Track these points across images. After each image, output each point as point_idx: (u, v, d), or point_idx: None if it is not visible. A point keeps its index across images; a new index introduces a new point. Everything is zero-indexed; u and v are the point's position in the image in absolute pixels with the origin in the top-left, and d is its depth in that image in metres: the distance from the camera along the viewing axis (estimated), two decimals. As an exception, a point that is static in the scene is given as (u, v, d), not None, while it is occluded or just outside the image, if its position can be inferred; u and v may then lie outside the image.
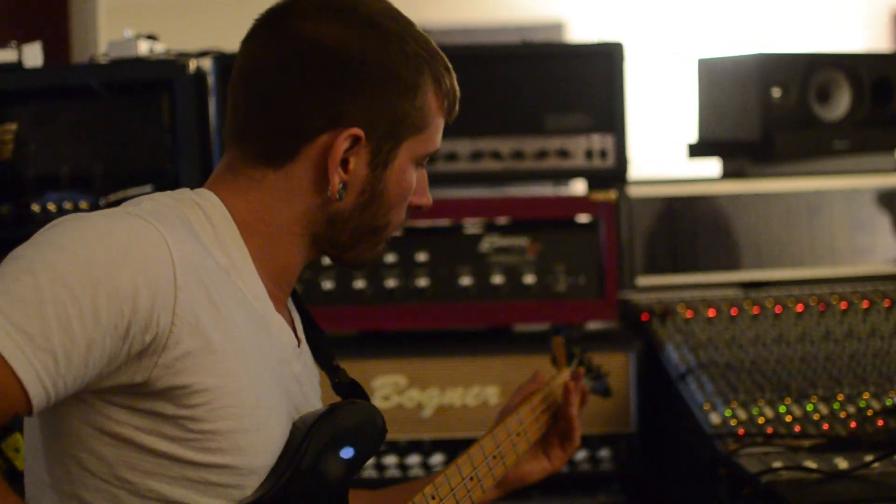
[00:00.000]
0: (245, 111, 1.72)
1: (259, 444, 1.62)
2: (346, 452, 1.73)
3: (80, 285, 1.45)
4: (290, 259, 1.75)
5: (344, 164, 1.69)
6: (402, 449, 2.95)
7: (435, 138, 1.78)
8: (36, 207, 2.80)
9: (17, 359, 1.40)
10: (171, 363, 1.52)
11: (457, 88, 1.79)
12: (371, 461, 2.88)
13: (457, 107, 1.80)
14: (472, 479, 1.96)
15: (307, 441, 1.66)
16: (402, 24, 1.73)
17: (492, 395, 2.95)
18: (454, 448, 2.92)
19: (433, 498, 1.86)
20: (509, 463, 2.08)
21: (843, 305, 3.11)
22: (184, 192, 1.71)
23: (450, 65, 1.78)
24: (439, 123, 1.77)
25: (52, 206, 2.79)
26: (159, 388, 1.52)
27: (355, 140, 1.68)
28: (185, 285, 1.52)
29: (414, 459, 2.94)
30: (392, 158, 1.72)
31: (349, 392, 1.90)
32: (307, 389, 1.80)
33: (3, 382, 1.40)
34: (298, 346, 1.79)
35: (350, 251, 1.79)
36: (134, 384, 1.52)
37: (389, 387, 2.93)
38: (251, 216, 1.70)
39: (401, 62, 1.69)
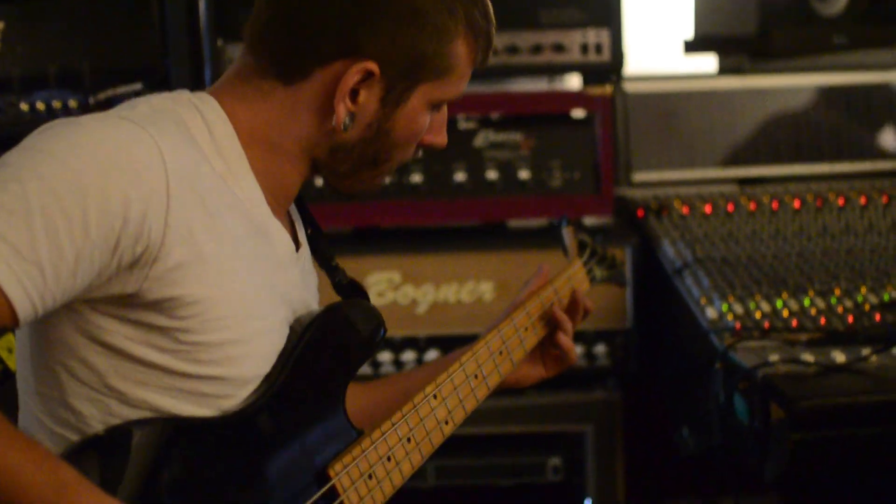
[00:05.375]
0: (266, 19, 1.65)
1: (252, 355, 1.59)
2: (344, 352, 1.71)
3: (69, 196, 1.40)
4: (288, 176, 1.70)
5: (354, 95, 1.63)
6: (397, 345, 2.93)
7: (458, 86, 1.70)
8: (24, 106, 2.75)
9: (3, 271, 1.36)
10: (162, 275, 1.48)
11: (493, 36, 1.70)
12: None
13: (489, 55, 1.72)
14: (476, 377, 1.91)
15: (303, 342, 1.64)
16: None
17: (486, 290, 2.93)
18: (449, 344, 2.91)
19: (435, 397, 1.83)
20: (517, 359, 2.02)
21: (841, 201, 3.09)
22: (182, 94, 1.65)
23: (490, 11, 1.69)
24: (465, 72, 1.69)
25: (40, 105, 2.75)
26: (150, 299, 1.49)
27: (368, 74, 1.61)
28: (178, 194, 1.48)
29: (409, 356, 2.93)
30: (405, 99, 1.66)
31: (349, 292, 1.86)
32: (305, 294, 1.76)
33: None
34: (297, 250, 1.76)
35: (347, 180, 1.75)
36: (125, 295, 1.48)
37: (384, 283, 2.91)
38: (253, 127, 1.64)
39: (433, 2, 1.62)
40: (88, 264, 1.42)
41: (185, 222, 1.49)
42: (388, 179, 2.84)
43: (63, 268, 1.40)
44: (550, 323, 2.10)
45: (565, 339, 2.09)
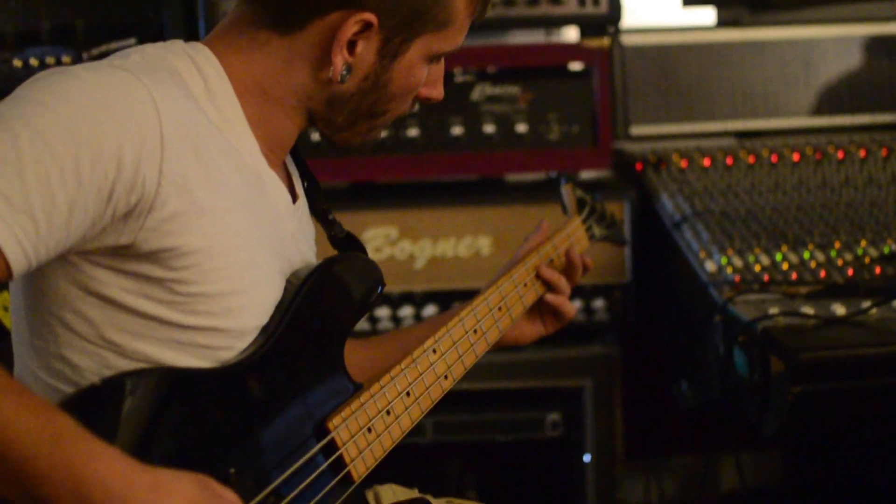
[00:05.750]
0: None
1: (250, 306, 1.57)
2: (342, 306, 1.69)
3: (61, 145, 1.39)
4: (284, 127, 1.68)
5: (351, 46, 1.61)
6: (395, 301, 2.92)
7: (456, 38, 1.68)
8: (18, 63, 2.73)
9: None
10: (157, 225, 1.46)
11: None
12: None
13: (487, 8, 1.70)
14: (475, 332, 1.91)
15: (300, 296, 1.62)
16: None
17: (484, 245, 2.91)
18: (447, 299, 2.90)
19: (434, 352, 1.82)
20: (516, 315, 2.01)
21: (840, 154, 3.07)
22: (175, 44, 1.63)
23: None
24: (464, 24, 1.67)
25: (34, 62, 2.73)
26: (146, 250, 1.47)
27: (366, 25, 1.59)
28: (173, 143, 1.46)
29: (406, 311, 2.92)
30: (403, 51, 1.64)
31: (346, 245, 1.85)
32: (302, 246, 1.75)
33: None
34: (294, 202, 1.74)
35: (343, 132, 1.73)
36: (120, 246, 1.47)
37: (381, 238, 2.89)
38: (248, 77, 1.62)
39: None
40: (82, 214, 1.41)
41: (180, 171, 1.47)
42: (384, 133, 2.86)
43: (56, 217, 1.38)
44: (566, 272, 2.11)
45: (555, 299, 2.09)
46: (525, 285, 2.04)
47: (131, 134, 1.42)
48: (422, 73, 1.69)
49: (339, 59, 1.61)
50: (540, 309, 2.13)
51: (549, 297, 2.08)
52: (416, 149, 2.94)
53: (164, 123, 1.45)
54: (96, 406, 1.41)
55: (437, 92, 1.76)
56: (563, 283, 2.09)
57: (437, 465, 3.25)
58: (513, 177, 3.09)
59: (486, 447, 3.16)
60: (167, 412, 1.46)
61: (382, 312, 2.91)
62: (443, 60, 1.74)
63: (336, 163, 2.90)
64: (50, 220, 1.38)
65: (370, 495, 1.94)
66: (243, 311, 1.56)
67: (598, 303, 2.95)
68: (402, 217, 2.91)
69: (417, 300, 2.92)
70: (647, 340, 3.16)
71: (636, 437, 3.39)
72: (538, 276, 2.08)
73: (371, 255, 2.80)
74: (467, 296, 1.96)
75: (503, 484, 3.28)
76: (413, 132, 2.92)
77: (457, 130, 2.93)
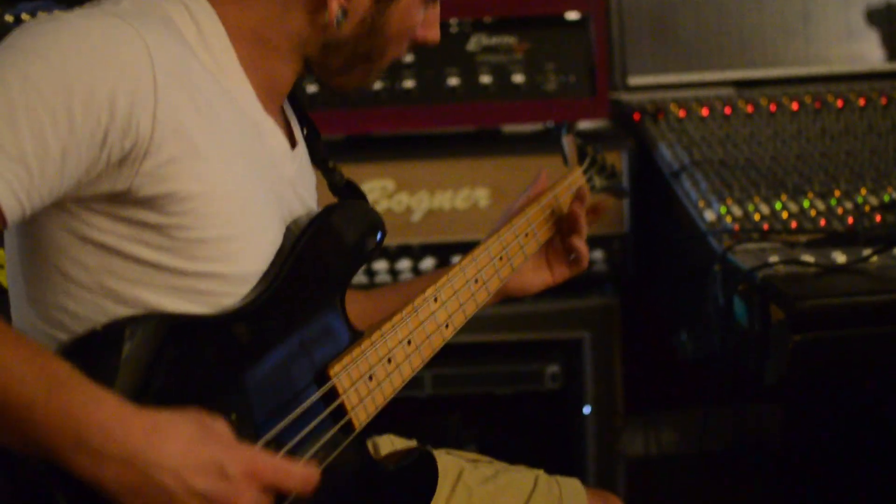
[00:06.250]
0: None
1: (249, 251, 1.56)
2: (342, 253, 1.68)
3: (53, 92, 1.38)
4: (280, 72, 1.67)
5: None
6: (392, 254, 2.91)
7: None
8: (9, 18, 2.72)
9: None
10: (153, 170, 1.45)
11: None
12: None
13: None
14: (476, 281, 1.90)
15: (300, 243, 1.61)
16: None
17: (482, 197, 2.89)
18: (444, 252, 2.89)
19: (435, 300, 1.81)
20: (517, 264, 2.00)
21: (840, 103, 3.05)
22: None
23: None
24: None
25: (25, 17, 2.71)
26: (143, 196, 1.46)
27: None
28: (166, 88, 1.45)
29: (404, 264, 2.90)
30: None
31: (346, 193, 1.85)
32: (302, 193, 1.74)
33: None
34: (293, 149, 1.73)
35: (339, 77, 1.72)
36: (116, 193, 1.46)
37: (378, 191, 2.88)
38: (242, 23, 1.61)
39: None
40: (75, 161, 1.40)
41: (174, 117, 1.46)
42: (379, 85, 2.84)
43: (49, 164, 1.37)
44: (561, 225, 2.08)
45: (580, 243, 2.07)
46: (526, 235, 2.03)
47: (123, 79, 1.41)
48: (418, 15, 1.68)
49: (335, 4, 1.60)
50: (547, 258, 2.12)
51: (577, 240, 2.06)
52: (412, 100, 2.92)
53: (157, 69, 1.44)
54: (94, 352, 1.40)
55: (434, 34, 1.74)
56: (582, 222, 2.08)
57: (437, 418, 3.25)
58: (510, 128, 3.07)
59: (485, 400, 3.15)
60: (165, 358, 1.45)
61: (380, 266, 2.89)
62: (438, 2, 1.73)
63: (332, 115, 2.87)
64: (43, 167, 1.37)
65: (368, 445, 1.93)
66: (242, 257, 1.55)
67: (597, 254, 2.93)
68: (398, 169, 2.89)
69: (415, 253, 2.91)
70: (646, 291, 3.15)
71: (636, 390, 3.38)
72: (552, 221, 2.08)
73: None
74: (465, 248, 1.95)
75: (503, 437, 3.28)
76: (409, 83, 2.89)
77: (453, 81, 2.91)
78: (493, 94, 2.93)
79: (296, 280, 1.59)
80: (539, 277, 2.13)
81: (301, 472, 1.43)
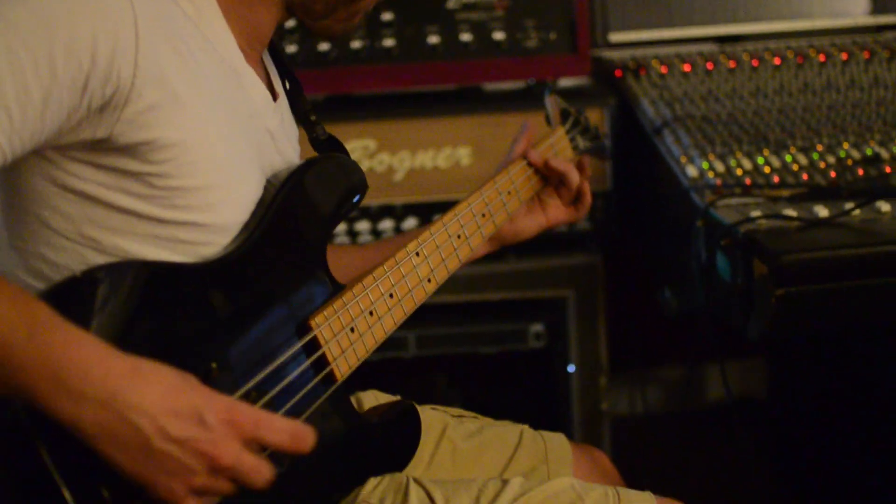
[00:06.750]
0: None
1: (229, 200, 1.56)
2: (323, 205, 1.68)
3: (34, 37, 1.38)
4: (262, 19, 1.68)
5: None
6: (375, 214, 2.89)
7: None
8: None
9: None
10: (134, 117, 1.45)
11: None
12: (343, 227, 2.84)
13: None
14: (459, 236, 1.91)
15: (281, 195, 1.61)
16: None
17: (464, 155, 2.88)
18: (427, 211, 2.88)
19: (417, 255, 1.82)
20: (499, 221, 2.02)
21: (822, 58, 3.03)
22: None
23: None
24: None
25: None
26: (123, 143, 1.46)
27: None
28: (148, 35, 1.45)
29: (387, 224, 2.89)
30: None
31: (327, 146, 1.86)
32: (283, 145, 1.74)
33: None
34: (274, 100, 1.72)
35: (323, 20, 1.72)
36: (96, 140, 1.46)
37: (359, 151, 2.86)
38: None
39: None
40: (56, 106, 1.40)
41: (156, 63, 1.46)
42: (359, 43, 2.82)
43: (30, 109, 1.38)
44: (552, 176, 2.13)
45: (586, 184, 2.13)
46: (508, 193, 2.04)
47: (105, 26, 1.41)
48: None
49: None
50: (543, 201, 2.14)
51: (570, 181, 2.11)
52: (392, 59, 2.89)
53: (139, 15, 1.44)
54: (72, 298, 1.40)
55: None
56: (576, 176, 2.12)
57: (422, 379, 3.25)
58: (491, 85, 3.06)
59: (470, 360, 3.15)
60: (145, 305, 1.45)
61: (362, 226, 2.88)
62: None
63: (312, 74, 2.85)
64: (24, 111, 1.38)
65: (352, 401, 1.93)
66: (222, 206, 1.55)
67: (580, 211, 2.92)
68: (379, 129, 2.88)
69: (397, 213, 2.90)
70: (630, 249, 3.14)
71: (621, 348, 3.39)
72: (541, 174, 2.12)
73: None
74: (447, 207, 1.95)
75: (488, 396, 3.28)
76: (388, 42, 2.87)
77: (433, 39, 2.89)
78: (473, 52, 2.91)
79: (276, 231, 1.59)
80: (534, 221, 2.15)
81: (286, 426, 1.42)
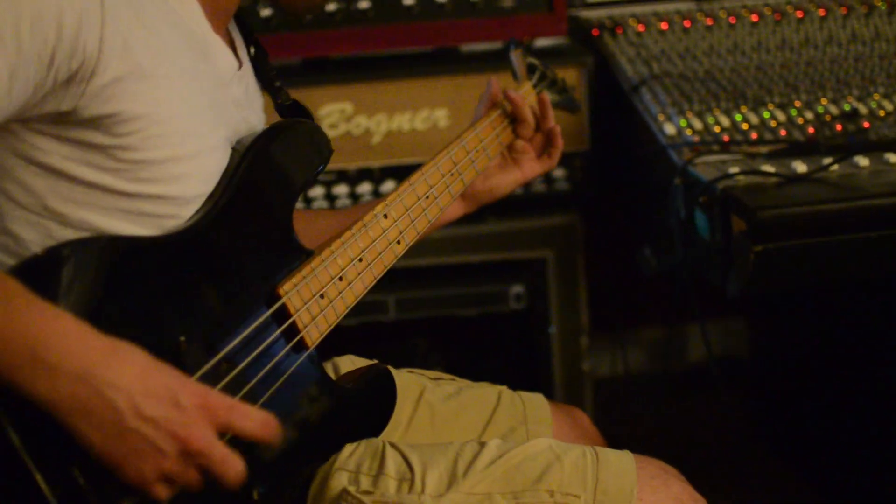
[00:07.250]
0: None
1: (194, 173, 1.56)
2: (288, 172, 1.67)
3: (0, 13, 1.36)
4: None
5: None
6: (352, 178, 2.88)
7: None
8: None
9: None
10: (99, 90, 1.44)
11: None
12: (321, 191, 2.82)
13: None
14: (427, 197, 1.89)
15: (245, 161, 1.60)
16: None
17: (441, 117, 2.86)
18: (405, 174, 2.80)
19: (385, 217, 1.80)
20: (468, 179, 2.00)
21: (799, 14, 3.02)
22: None
23: None
24: None
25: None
26: (87, 116, 1.45)
27: None
28: (113, 8, 1.44)
29: (365, 188, 2.88)
30: None
31: (292, 112, 1.85)
32: (248, 114, 1.73)
33: None
34: (239, 68, 1.71)
35: None
36: (61, 113, 1.45)
37: (336, 115, 2.84)
38: None
39: None
40: (23, 82, 1.38)
41: (121, 36, 1.44)
42: (334, 6, 2.80)
43: None
44: (525, 125, 2.12)
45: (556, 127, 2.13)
46: (477, 150, 2.02)
47: None
48: None
49: None
50: (516, 156, 2.13)
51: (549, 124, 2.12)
52: (368, 21, 2.87)
53: None
54: (38, 276, 1.38)
55: None
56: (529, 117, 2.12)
57: (403, 343, 3.24)
58: (467, 46, 3.03)
59: (450, 322, 3.14)
60: (111, 280, 1.43)
61: (341, 190, 2.87)
62: None
63: (287, 38, 2.83)
64: None
65: (328, 367, 1.92)
66: (188, 178, 1.54)
67: (558, 172, 2.92)
68: (356, 92, 2.86)
69: (375, 176, 2.88)
70: (609, 208, 3.13)
71: (601, 308, 3.38)
72: (513, 123, 2.12)
73: (327, 131, 2.75)
74: (426, 172, 1.94)
75: (469, 358, 3.27)
76: (364, 4, 2.85)
77: (408, 1, 2.86)
78: (449, 13, 2.89)
79: (241, 200, 1.58)
80: (509, 176, 2.14)
81: (258, 415, 1.40)
